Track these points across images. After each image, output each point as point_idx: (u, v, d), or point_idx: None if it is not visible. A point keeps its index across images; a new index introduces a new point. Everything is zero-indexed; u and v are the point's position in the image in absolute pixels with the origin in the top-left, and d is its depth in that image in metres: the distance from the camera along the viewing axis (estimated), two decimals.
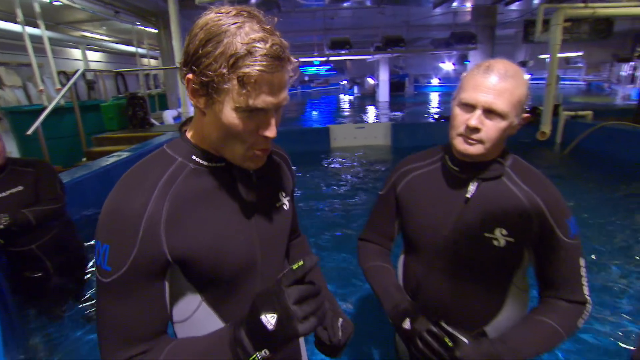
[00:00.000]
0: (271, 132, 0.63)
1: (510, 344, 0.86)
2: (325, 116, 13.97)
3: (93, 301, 2.44)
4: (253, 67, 0.55)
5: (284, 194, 0.83)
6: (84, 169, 3.96)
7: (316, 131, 7.59)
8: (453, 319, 0.89)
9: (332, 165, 6.23)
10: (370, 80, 22.64)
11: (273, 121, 0.63)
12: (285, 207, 0.82)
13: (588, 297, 0.92)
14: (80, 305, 2.41)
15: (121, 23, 9.63)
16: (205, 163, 0.69)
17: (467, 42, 12.02)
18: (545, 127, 6.46)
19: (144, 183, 0.63)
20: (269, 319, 0.56)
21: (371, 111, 14.88)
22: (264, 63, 0.56)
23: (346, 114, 14.63)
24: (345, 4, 9.61)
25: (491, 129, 0.85)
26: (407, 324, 0.93)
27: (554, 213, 0.88)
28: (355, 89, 23.81)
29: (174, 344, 0.65)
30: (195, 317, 0.72)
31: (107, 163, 4.24)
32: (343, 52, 12.54)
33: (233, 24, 0.56)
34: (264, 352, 0.57)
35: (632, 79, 15.53)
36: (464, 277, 0.97)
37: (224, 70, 0.56)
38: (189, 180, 0.66)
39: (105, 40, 12.75)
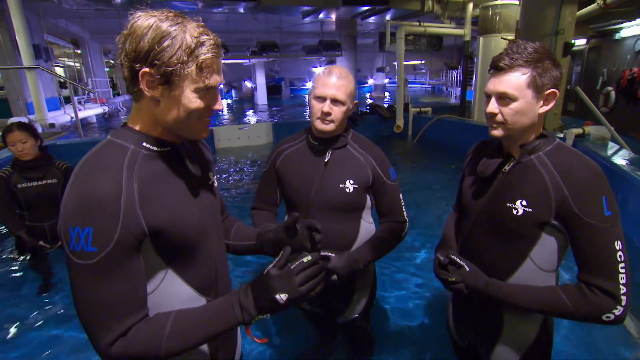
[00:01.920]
0: (220, 105, 0.79)
1: (360, 252, 1.33)
2: None
3: None
4: (207, 54, 0.71)
5: (212, 174, 0.97)
6: None
7: None
8: (327, 248, 1.29)
9: (218, 166, 6.34)
10: (248, 84, 22.80)
11: (219, 96, 0.80)
12: (215, 184, 0.97)
13: (406, 218, 1.43)
14: None
15: None
16: (155, 148, 0.78)
17: (333, 49, 13.33)
18: (399, 122, 7.81)
19: (110, 169, 0.70)
20: (282, 297, 0.75)
21: (251, 114, 15.14)
22: (214, 50, 0.72)
23: (227, 117, 14.58)
24: (217, 9, 9.64)
25: (337, 112, 1.28)
26: None
27: (380, 165, 1.37)
28: (233, 93, 23.66)
29: (177, 313, 0.75)
30: (163, 285, 0.81)
31: None
32: None
33: (177, 23, 0.69)
34: (267, 315, 0.77)
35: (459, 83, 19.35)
36: (330, 219, 1.36)
37: (185, 58, 0.69)
38: (144, 165, 0.75)
39: None
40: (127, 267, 0.69)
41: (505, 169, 1.06)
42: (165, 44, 0.68)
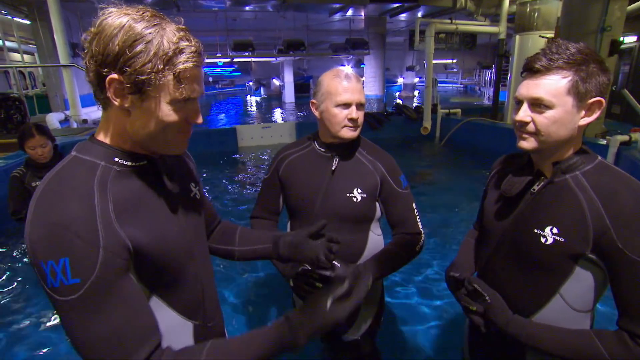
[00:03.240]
0: (200, 119, 0.71)
1: (370, 264, 1.22)
2: (232, 118, 13.86)
3: None
4: (187, 64, 0.63)
5: (193, 185, 0.89)
6: None
7: (223, 132, 7.59)
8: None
9: (240, 165, 6.36)
10: (276, 82, 22.95)
11: (199, 109, 0.71)
12: (197, 196, 0.89)
13: (421, 229, 1.30)
14: None
15: None
16: (129, 163, 0.69)
17: (360, 48, 13.12)
18: (427, 123, 7.54)
19: (78, 190, 0.62)
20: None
21: (278, 112, 15.20)
22: (195, 59, 0.64)
23: (254, 115, 14.71)
24: (246, 8, 9.71)
25: (361, 116, 1.22)
26: (291, 283, 1.19)
27: (390, 173, 1.27)
28: (262, 90, 23.89)
29: (212, 343, 0.68)
30: None
31: None
32: (246, 53, 12.59)
33: (154, 25, 0.61)
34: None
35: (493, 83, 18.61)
36: (337, 230, 1.24)
37: (160, 67, 0.61)
38: (118, 183, 0.66)
39: None
40: (122, 290, 0.62)
41: (534, 189, 0.92)
42: (138, 48, 0.60)
